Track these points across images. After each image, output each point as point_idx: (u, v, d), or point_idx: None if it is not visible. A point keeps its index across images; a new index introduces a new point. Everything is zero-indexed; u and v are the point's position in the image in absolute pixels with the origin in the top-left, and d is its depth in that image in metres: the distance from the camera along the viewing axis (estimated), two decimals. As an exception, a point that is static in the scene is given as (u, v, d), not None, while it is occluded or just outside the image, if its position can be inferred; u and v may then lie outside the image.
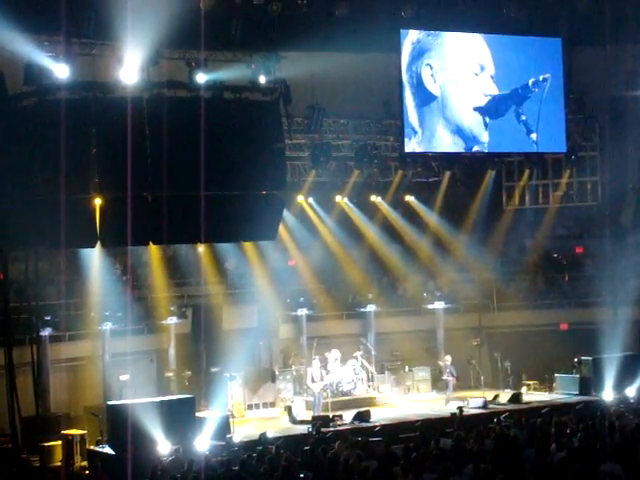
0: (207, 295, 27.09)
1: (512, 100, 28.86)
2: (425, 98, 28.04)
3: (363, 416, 23.94)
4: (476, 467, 14.79)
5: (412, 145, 28.00)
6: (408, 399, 27.49)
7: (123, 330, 24.95)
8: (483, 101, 28.61)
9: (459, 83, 28.34)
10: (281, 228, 26.47)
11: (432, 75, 28.01)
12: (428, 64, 28.00)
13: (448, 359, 26.78)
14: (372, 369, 27.43)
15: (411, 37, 27.77)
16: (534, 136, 29.18)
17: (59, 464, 20.95)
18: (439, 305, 29.36)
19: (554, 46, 29.35)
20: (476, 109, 28.54)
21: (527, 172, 31.54)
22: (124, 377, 24.22)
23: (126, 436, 20.33)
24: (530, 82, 28.98)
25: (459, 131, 28.42)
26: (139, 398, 22.55)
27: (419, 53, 27.89)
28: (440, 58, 28.09)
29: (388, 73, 27.97)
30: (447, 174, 30.29)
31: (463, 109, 28.41)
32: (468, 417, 22.85)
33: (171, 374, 25.75)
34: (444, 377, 26.62)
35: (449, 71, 28.21)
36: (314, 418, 23.66)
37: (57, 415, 23.30)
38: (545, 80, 29.08)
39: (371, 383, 27.20)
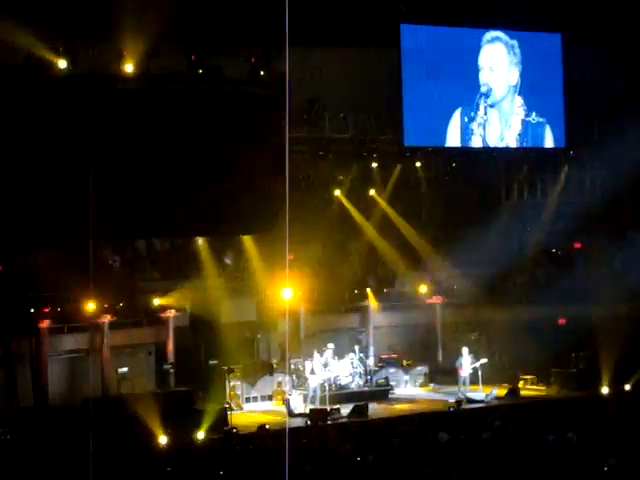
0: (206, 288, 27.09)
1: (511, 95, 28.86)
2: (424, 92, 28.02)
3: (360, 410, 24.00)
4: (473, 461, 14.85)
5: (411, 139, 27.96)
6: (405, 393, 27.52)
7: (122, 322, 24.99)
8: (482, 96, 28.60)
9: (458, 78, 28.30)
10: (279, 222, 26.49)
11: (432, 69, 27.97)
12: (426, 58, 27.98)
13: (465, 351, 26.64)
14: (370, 363, 27.46)
15: (411, 31, 27.74)
16: (533, 131, 29.17)
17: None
18: (437, 300, 29.38)
19: (554, 42, 29.35)
20: (475, 103, 28.52)
21: (526, 167, 31.55)
22: (122, 369, 24.26)
23: (123, 428, 20.39)
24: (530, 77, 28.97)
25: (458, 125, 28.40)
26: (137, 390, 22.57)
27: (418, 47, 27.85)
28: (439, 52, 28.06)
29: (387, 67, 27.93)
30: (446, 169, 30.30)
31: (462, 104, 28.39)
32: (465, 411, 22.90)
33: (169, 367, 25.77)
34: (461, 369, 26.32)
35: (448, 65, 28.17)
36: (312, 411, 23.72)
37: (55, 407, 23.32)
38: (546, 76, 29.10)
39: (369, 377, 27.23)
